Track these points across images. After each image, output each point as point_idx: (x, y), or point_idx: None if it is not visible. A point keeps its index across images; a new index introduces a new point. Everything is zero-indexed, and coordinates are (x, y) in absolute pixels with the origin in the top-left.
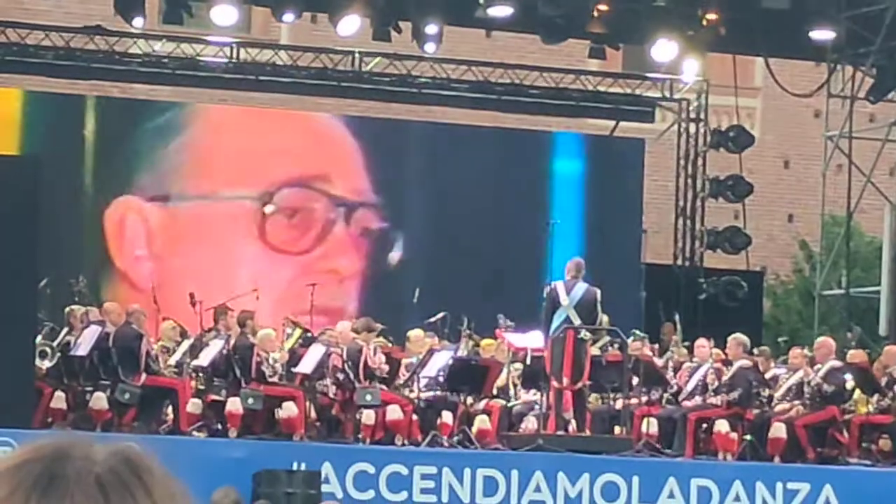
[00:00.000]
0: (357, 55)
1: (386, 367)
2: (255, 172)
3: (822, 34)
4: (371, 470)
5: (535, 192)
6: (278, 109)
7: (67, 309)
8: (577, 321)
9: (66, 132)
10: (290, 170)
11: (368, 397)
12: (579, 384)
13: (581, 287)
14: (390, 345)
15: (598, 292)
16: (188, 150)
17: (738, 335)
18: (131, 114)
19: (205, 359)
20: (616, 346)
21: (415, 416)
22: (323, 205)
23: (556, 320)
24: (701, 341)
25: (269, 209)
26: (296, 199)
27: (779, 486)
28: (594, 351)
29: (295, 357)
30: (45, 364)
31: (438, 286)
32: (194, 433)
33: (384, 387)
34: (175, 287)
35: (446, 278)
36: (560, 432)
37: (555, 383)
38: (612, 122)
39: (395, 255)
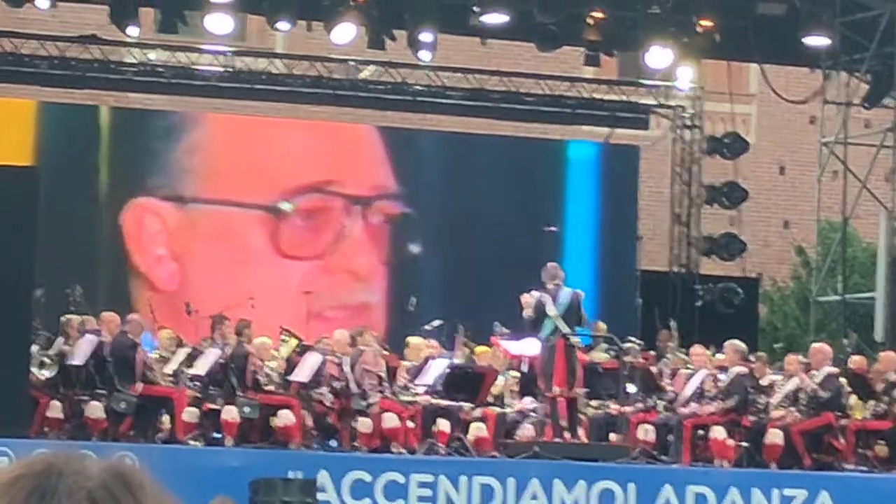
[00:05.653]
0: (352, 63)
1: (383, 366)
2: (265, 180)
3: (817, 40)
4: (367, 478)
5: (533, 199)
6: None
7: (63, 318)
8: (565, 329)
9: (78, 141)
10: (301, 177)
11: (364, 405)
12: (573, 391)
13: (566, 293)
14: (386, 352)
15: (582, 294)
16: (198, 153)
17: (735, 341)
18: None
19: (201, 368)
20: (612, 353)
21: (411, 424)
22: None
23: (545, 330)
24: (697, 348)
25: (285, 206)
26: (310, 202)
27: (775, 492)
28: (597, 357)
29: (291, 365)
30: (46, 374)
31: (435, 292)
32: (190, 442)
33: (380, 394)
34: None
35: (444, 284)
36: (556, 439)
37: (546, 392)
38: (608, 130)
39: (414, 247)
